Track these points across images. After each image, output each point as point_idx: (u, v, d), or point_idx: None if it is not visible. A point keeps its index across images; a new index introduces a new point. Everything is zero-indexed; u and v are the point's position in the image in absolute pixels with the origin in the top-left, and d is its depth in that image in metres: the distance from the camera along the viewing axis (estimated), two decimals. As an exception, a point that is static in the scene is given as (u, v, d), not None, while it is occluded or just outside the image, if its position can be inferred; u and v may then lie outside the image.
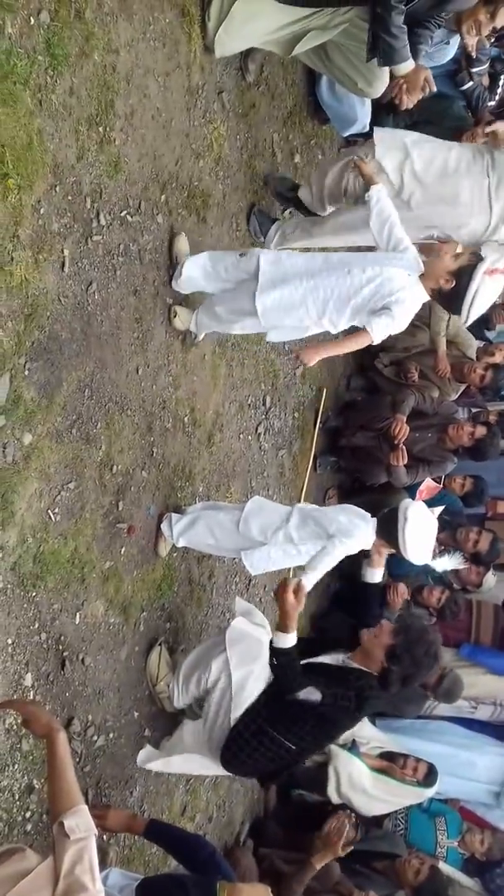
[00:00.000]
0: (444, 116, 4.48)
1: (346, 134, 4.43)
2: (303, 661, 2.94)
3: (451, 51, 4.38)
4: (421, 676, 3.07)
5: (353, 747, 4.34)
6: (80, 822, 1.77)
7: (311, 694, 2.86)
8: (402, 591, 4.79)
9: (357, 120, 4.32)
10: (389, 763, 4.31)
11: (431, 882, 3.97)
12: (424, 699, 4.89)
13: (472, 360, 5.24)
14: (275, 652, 2.87)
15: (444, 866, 4.38)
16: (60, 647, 2.66)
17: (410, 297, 2.92)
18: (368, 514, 3.13)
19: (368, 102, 4.36)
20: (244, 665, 2.98)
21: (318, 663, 3.03)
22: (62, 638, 2.67)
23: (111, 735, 2.96)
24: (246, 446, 4.02)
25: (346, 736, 4.42)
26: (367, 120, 4.38)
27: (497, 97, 5.05)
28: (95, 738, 2.87)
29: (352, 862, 4.13)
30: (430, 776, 4.37)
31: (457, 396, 5.39)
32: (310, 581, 3.01)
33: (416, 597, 4.95)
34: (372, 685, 2.96)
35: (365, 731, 4.58)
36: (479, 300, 2.97)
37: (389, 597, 4.78)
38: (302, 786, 4.43)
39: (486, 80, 4.94)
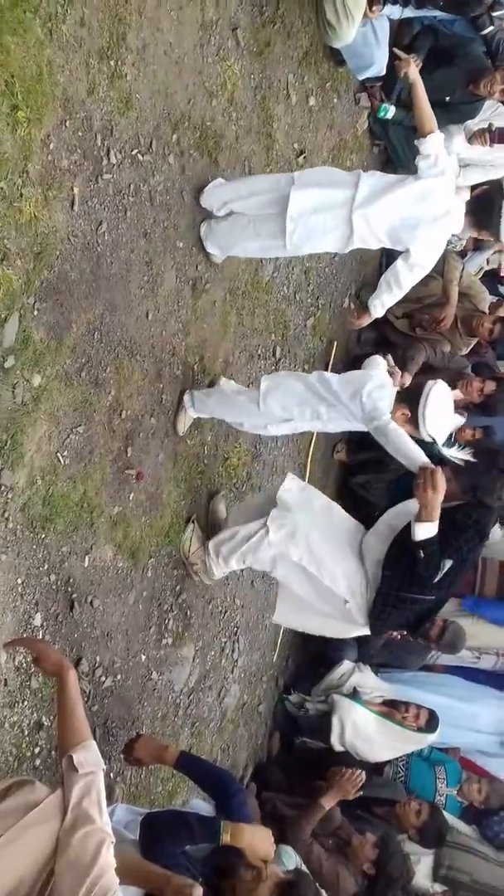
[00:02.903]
0: (463, 58, 4.35)
1: (362, 77, 4.31)
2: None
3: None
4: None
5: (355, 695, 4.39)
6: (89, 757, 1.80)
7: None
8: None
9: (374, 63, 4.20)
10: (391, 709, 4.36)
11: (433, 820, 4.04)
12: (427, 650, 4.94)
13: (484, 313, 5.17)
14: (420, 544, 2.91)
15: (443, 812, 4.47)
16: (69, 589, 2.68)
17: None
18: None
19: (385, 45, 4.24)
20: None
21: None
22: (71, 580, 2.69)
23: (118, 676, 3.00)
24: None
25: (348, 685, 4.49)
26: (385, 63, 4.25)
27: (518, 42, 4.91)
28: (103, 678, 2.91)
29: (353, 807, 4.22)
30: (431, 722, 4.42)
31: (468, 351, 5.34)
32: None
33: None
34: (483, 513, 3.06)
35: (368, 680, 4.64)
36: None
37: None
38: (305, 733, 4.50)
39: (507, 25, 4.79)
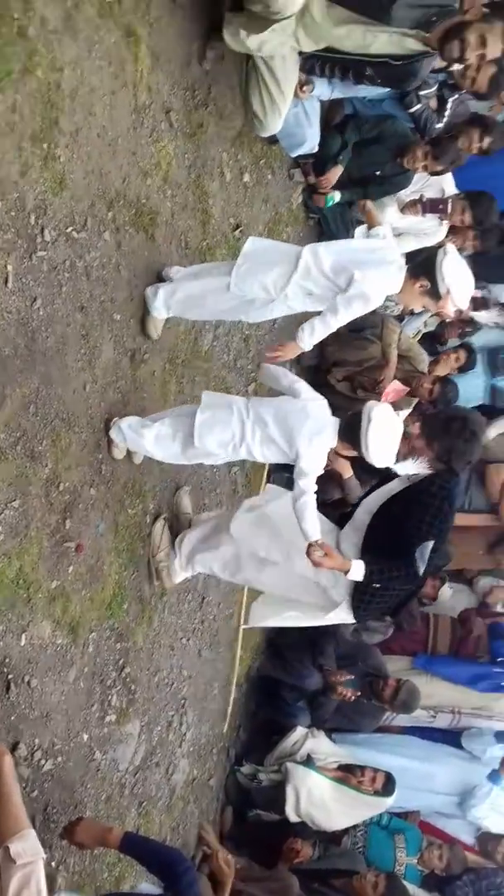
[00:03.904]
0: (391, 135, 4.58)
1: (295, 155, 4.48)
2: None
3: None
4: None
5: (309, 762, 4.33)
6: (27, 847, 1.75)
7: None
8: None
9: (306, 141, 4.38)
10: (347, 774, 4.31)
11: (391, 892, 3.95)
12: (382, 711, 4.91)
13: (423, 374, 5.31)
14: (367, 582, 3.04)
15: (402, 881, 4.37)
16: (5, 670, 2.61)
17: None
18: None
19: (316, 124, 4.44)
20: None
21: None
22: (6, 660, 2.62)
23: (59, 759, 2.90)
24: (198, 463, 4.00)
25: (301, 752, 4.42)
26: (316, 141, 4.44)
27: (444, 120, 5.17)
28: (43, 762, 2.81)
29: (311, 880, 4.11)
30: (388, 785, 4.38)
31: (410, 411, 5.46)
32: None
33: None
34: (446, 486, 3.15)
35: (322, 745, 4.58)
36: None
37: None
38: (259, 805, 4.40)
39: (433, 104, 5.05)
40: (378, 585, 3.09)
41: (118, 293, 3.20)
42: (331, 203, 4.69)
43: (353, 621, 3.29)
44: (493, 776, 4.86)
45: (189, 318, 3.60)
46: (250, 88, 3.89)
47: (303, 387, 3.21)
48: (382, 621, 4.07)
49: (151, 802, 3.56)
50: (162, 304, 3.32)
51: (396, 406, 3.20)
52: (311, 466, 3.02)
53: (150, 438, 3.14)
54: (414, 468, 3.17)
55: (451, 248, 3.21)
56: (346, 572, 3.00)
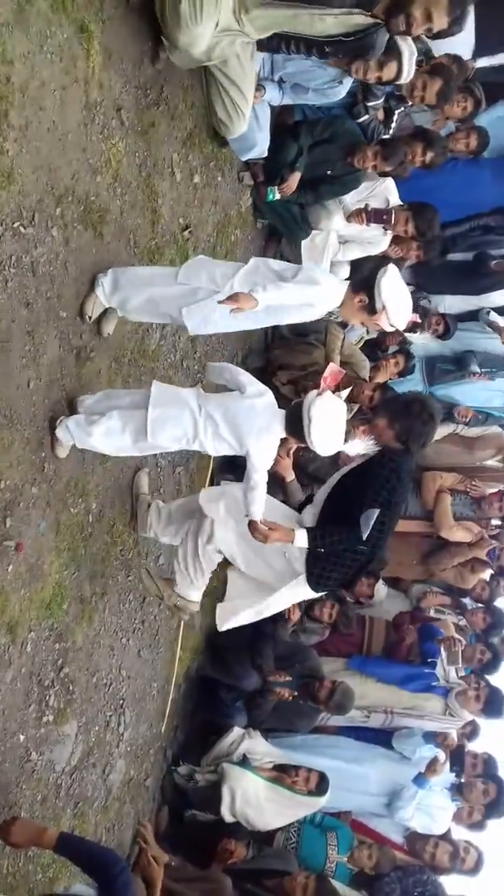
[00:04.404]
0: (341, 135, 4.66)
1: (245, 158, 4.51)
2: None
3: (342, 90, 4.60)
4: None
5: (245, 762, 4.36)
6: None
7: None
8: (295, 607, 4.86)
9: (256, 145, 4.42)
10: (281, 774, 4.35)
11: (320, 893, 4.00)
12: (317, 712, 4.97)
13: (364, 380, 5.40)
14: (315, 546, 3.26)
15: (331, 882, 4.44)
16: None
17: None
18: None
19: (267, 128, 4.48)
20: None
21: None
22: None
23: (-6, 760, 2.87)
24: (144, 464, 4.00)
25: (238, 752, 4.45)
26: (266, 145, 4.48)
27: (391, 132, 5.28)
28: (-23, 763, 2.78)
29: (243, 881, 4.13)
30: (321, 785, 4.44)
31: (351, 415, 5.54)
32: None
33: (309, 612, 5.04)
34: (396, 460, 3.30)
35: (258, 746, 4.62)
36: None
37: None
38: (195, 806, 4.41)
39: (381, 115, 5.15)
40: (323, 549, 3.27)
41: (65, 290, 3.17)
42: (271, 197, 4.73)
43: (314, 593, 3.48)
44: (419, 779, 4.95)
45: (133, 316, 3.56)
46: (212, 97, 3.94)
47: (246, 379, 3.27)
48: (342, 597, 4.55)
49: (87, 803, 3.54)
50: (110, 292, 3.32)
51: (338, 389, 3.28)
52: (262, 462, 3.18)
53: (98, 435, 3.12)
54: (363, 448, 3.28)
55: (392, 268, 3.30)
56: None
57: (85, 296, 3.27)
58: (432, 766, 4.93)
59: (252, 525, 3.21)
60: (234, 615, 3.55)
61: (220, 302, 3.12)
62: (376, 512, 3.21)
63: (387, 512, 3.28)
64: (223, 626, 3.57)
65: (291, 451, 3.78)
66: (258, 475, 3.19)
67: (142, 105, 3.61)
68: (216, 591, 3.89)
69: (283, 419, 3.18)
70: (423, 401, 3.41)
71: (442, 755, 5.09)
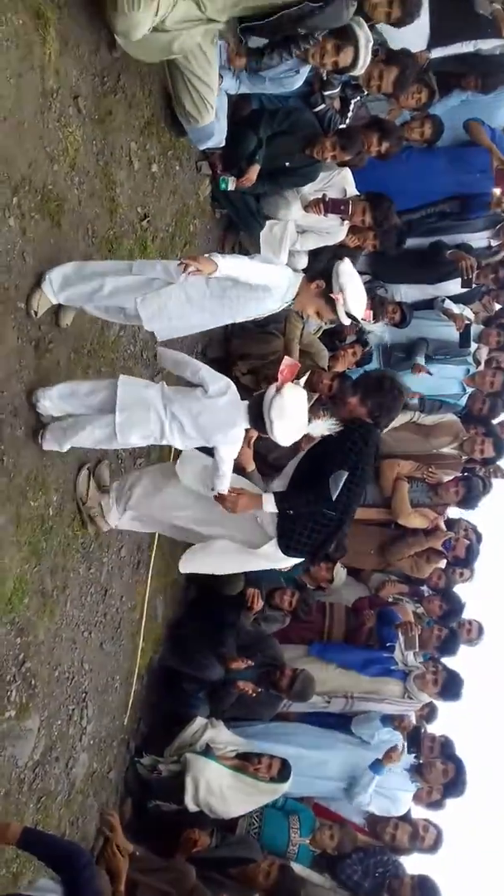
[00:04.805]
0: (299, 126, 4.67)
1: (203, 147, 4.48)
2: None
3: (299, 79, 4.61)
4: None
5: (208, 752, 4.38)
6: None
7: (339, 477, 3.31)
8: (257, 596, 4.90)
9: (213, 135, 4.39)
10: (244, 762, 4.39)
11: (282, 881, 4.06)
12: (279, 700, 5.02)
13: (323, 369, 5.44)
14: (285, 508, 3.42)
15: (294, 865, 4.50)
16: None
17: None
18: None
19: (224, 118, 4.45)
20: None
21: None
22: None
23: (-44, 757, 2.83)
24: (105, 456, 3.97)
25: (201, 742, 4.47)
26: (223, 135, 4.46)
27: (347, 121, 5.30)
28: None
29: (208, 868, 4.16)
30: (283, 771, 4.50)
31: (311, 403, 5.58)
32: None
33: (269, 600, 5.08)
34: (365, 427, 3.47)
35: (221, 735, 4.64)
36: None
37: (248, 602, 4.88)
38: (158, 797, 4.42)
39: (337, 104, 5.17)
40: (292, 511, 3.40)
41: (23, 280, 3.12)
42: (224, 187, 4.72)
43: (285, 559, 3.60)
44: (375, 766, 4.99)
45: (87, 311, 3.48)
46: (178, 91, 3.94)
47: (208, 375, 3.28)
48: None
49: (51, 797, 3.52)
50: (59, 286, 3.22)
51: (296, 379, 3.33)
52: (229, 454, 3.34)
53: (72, 443, 3.29)
54: (325, 428, 3.34)
55: (347, 261, 3.35)
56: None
57: (30, 291, 3.15)
58: (390, 754, 5.01)
59: (220, 496, 3.37)
60: (201, 567, 3.77)
61: (178, 264, 3.04)
62: (345, 474, 3.34)
63: (354, 477, 3.39)
64: (184, 569, 3.78)
65: (252, 441, 3.81)
66: (226, 466, 3.35)
67: (99, 93, 3.56)
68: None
69: (246, 412, 3.21)
70: (391, 378, 3.64)
71: (400, 743, 5.17)
